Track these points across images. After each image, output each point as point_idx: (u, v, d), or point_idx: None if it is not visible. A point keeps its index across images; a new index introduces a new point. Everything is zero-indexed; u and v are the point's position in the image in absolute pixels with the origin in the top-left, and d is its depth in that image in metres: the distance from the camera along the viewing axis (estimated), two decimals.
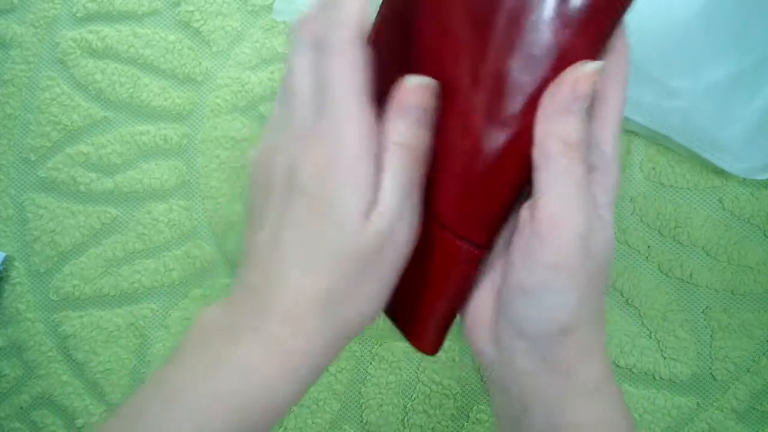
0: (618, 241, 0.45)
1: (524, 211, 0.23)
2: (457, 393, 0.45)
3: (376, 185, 0.23)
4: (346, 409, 0.45)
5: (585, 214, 0.22)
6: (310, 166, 0.23)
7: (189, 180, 0.47)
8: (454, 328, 0.48)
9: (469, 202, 0.25)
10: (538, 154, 0.23)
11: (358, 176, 0.22)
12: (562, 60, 0.22)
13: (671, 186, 0.44)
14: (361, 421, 0.45)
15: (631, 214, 0.45)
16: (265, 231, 0.24)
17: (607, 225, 0.23)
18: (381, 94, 0.24)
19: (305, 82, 0.24)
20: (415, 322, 0.27)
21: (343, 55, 0.23)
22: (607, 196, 0.24)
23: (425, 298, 0.26)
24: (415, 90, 0.23)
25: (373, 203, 0.23)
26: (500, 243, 0.25)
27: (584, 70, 0.22)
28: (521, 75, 0.23)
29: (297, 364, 0.23)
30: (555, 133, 0.22)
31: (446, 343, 0.45)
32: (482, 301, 0.26)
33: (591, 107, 0.23)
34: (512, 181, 0.24)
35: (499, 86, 0.23)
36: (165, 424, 0.22)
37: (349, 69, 0.23)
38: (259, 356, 0.22)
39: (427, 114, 0.24)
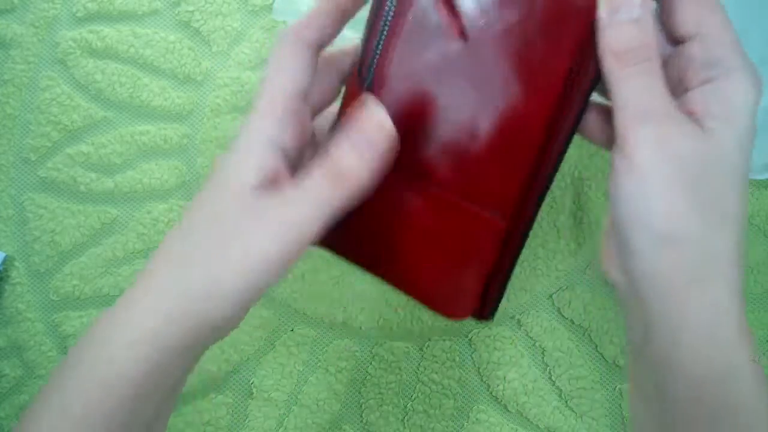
0: None
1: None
2: (457, 393, 0.45)
3: (272, 177, 0.24)
4: (346, 409, 0.45)
5: (658, 120, 0.23)
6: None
7: (189, 180, 0.47)
8: (451, 326, 0.48)
9: (489, 174, 0.25)
10: (603, 70, 0.24)
11: (238, 160, 0.24)
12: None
13: None
14: (361, 421, 0.45)
15: None
16: None
17: (713, 134, 0.23)
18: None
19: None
20: (448, 294, 0.28)
21: (280, 50, 0.25)
22: (721, 105, 0.23)
23: (453, 269, 0.27)
24: (377, 126, 0.24)
25: (263, 188, 0.24)
26: None
27: None
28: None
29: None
30: (603, 47, 0.24)
31: (446, 343, 0.45)
32: (608, 228, 0.26)
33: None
34: (528, 151, 0.25)
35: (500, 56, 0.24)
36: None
37: (281, 68, 0.25)
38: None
39: (380, 156, 0.24)
